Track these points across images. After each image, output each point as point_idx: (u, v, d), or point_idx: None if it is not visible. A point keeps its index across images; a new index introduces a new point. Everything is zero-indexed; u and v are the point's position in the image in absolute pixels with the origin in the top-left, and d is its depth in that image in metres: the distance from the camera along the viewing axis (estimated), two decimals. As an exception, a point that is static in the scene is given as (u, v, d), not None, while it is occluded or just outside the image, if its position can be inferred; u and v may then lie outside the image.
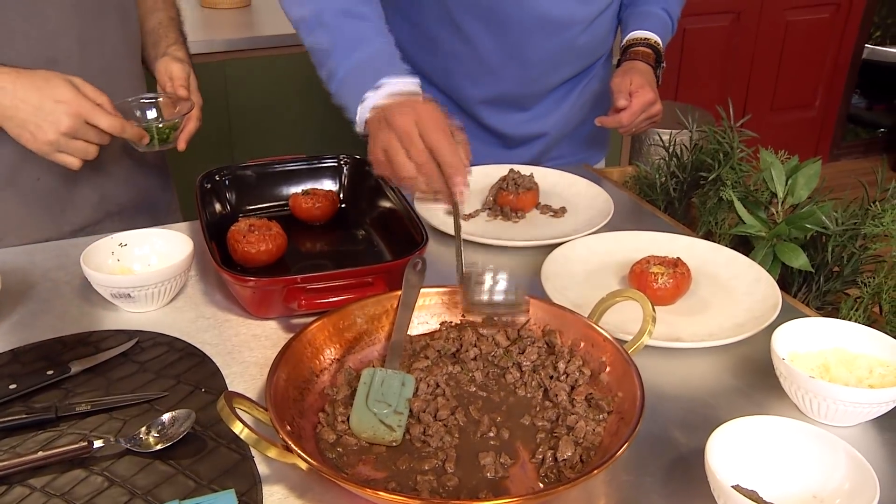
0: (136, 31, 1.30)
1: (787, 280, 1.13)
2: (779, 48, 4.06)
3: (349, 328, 0.89)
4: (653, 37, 1.45)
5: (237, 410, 0.73)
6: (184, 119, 1.21)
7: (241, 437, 0.69)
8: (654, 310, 0.86)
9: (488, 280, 0.92)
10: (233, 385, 0.89)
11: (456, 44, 1.34)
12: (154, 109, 1.25)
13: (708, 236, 1.26)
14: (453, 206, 0.94)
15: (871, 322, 1.04)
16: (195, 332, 0.98)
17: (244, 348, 0.96)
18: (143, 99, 1.24)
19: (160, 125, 1.18)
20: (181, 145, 1.23)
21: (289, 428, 0.74)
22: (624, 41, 1.48)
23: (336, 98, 1.08)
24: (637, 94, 1.36)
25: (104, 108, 1.08)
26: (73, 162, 1.09)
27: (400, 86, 1.01)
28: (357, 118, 1.03)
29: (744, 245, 1.22)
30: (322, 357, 0.87)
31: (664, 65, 1.46)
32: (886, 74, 4.61)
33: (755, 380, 0.92)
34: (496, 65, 1.39)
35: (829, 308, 1.11)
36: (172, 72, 1.25)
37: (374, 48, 1.06)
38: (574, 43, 1.40)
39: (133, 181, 1.34)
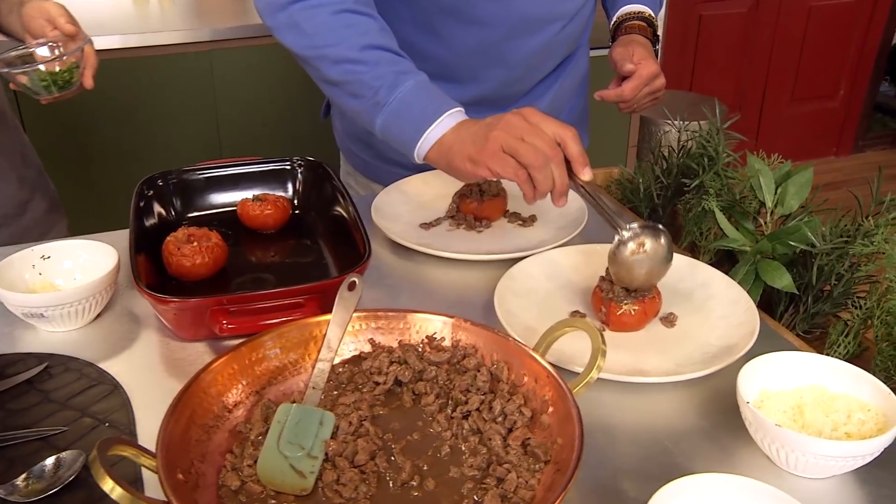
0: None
1: (772, 300, 1.03)
2: (800, 35, 3.90)
3: (260, 362, 0.80)
4: (646, 10, 1.37)
5: (127, 457, 0.66)
6: (83, 57, 1.12)
7: (113, 496, 0.61)
8: (604, 342, 0.76)
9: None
10: (143, 418, 0.81)
11: (436, 49, 1.26)
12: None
13: (692, 248, 1.16)
14: (580, 187, 0.97)
15: (862, 350, 0.94)
16: (114, 354, 0.91)
17: (163, 375, 0.88)
18: (21, 48, 1.14)
19: (56, 70, 1.09)
20: (88, 83, 1.14)
21: (181, 477, 0.66)
22: (616, 16, 1.39)
23: (383, 130, 1.08)
24: (640, 65, 1.27)
25: None
26: None
27: (457, 118, 1.05)
28: (416, 149, 1.05)
29: (730, 258, 1.12)
30: (235, 390, 0.78)
31: (659, 46, 1.37)
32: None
33: (724, 419, 0.82)
34: (478, 68, 1.31)
35: (818, 332, 1.00)
36: (49, 12, 1.13)
37: (416, 82, 1.06)
38: (555, 39, 1.31)
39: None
